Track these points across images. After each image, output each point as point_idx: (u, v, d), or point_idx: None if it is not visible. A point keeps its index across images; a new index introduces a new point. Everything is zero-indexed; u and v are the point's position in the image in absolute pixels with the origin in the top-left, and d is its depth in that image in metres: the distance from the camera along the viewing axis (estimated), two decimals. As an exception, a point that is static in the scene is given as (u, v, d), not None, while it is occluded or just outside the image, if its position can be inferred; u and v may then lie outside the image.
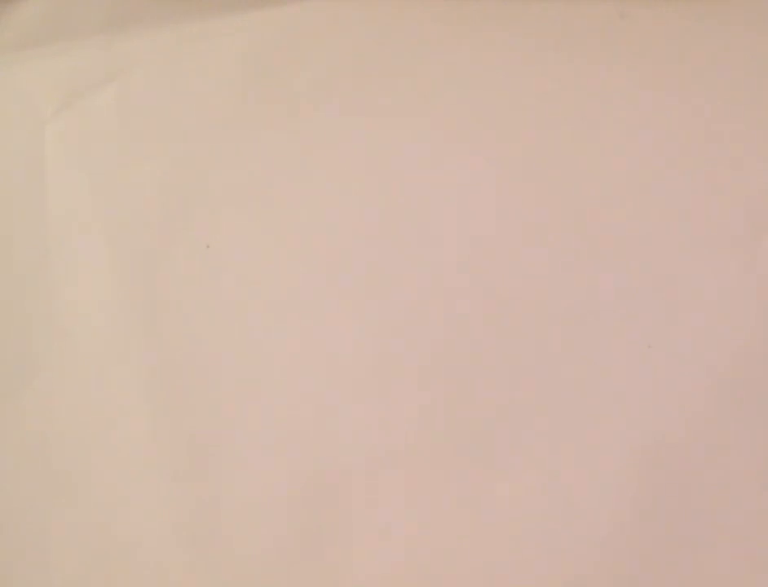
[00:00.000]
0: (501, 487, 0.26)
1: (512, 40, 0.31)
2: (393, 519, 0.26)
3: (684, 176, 0.29)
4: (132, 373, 0.28)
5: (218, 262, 0.29)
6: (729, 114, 0.30)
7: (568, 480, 0.26)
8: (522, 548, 0.25)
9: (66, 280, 0.29)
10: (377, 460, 0.27)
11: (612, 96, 0.30)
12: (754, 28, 0.31)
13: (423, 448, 0.27)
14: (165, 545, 0.26)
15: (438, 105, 0.31)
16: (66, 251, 0.30)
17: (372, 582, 0.25)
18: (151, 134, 0.31)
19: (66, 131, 0.32)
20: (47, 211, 0.31)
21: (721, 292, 0.28)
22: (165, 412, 0.27)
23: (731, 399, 0.26)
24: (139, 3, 0.33)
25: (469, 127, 0.31)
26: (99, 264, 0.30)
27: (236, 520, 0.26)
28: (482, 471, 0.26)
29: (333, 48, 0.32)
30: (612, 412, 0.27)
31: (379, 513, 0.26)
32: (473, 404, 0.27)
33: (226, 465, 0.27)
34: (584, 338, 0.27)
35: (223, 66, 0.32)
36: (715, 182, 0.29)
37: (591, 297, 0.28)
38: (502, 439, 0.26)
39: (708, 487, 0.26)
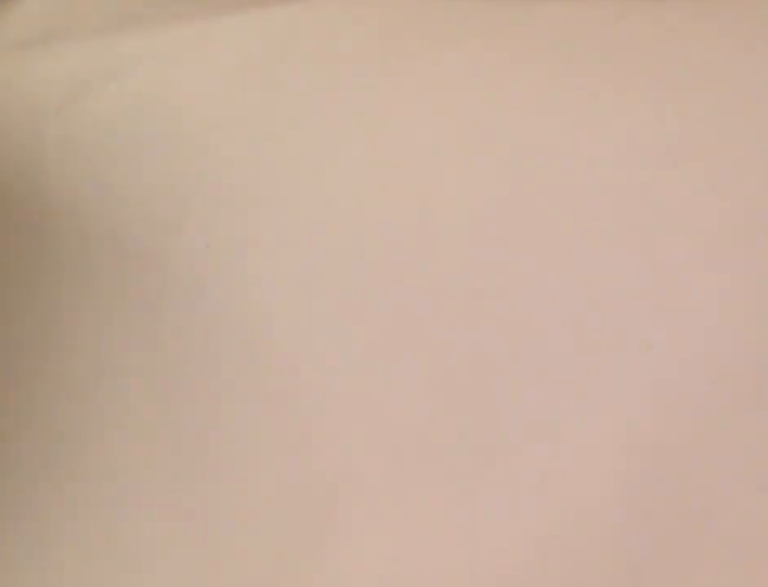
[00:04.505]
0: (500, 488, 0.26)
1: (511, 40, 0.31)
2: (393, 519, 0.26)
3: (684, 176, 0.29)
4: (130, 373, 0.28)
5: (217, 262, 0.29)
6: (730, 114, 0.30)
7: (567, 480, 0.26)
8: (521, 548, 0.25)
9: (64, 279, 0.29)
10: (378, 460, 0.27)
11: (612, 96, 0.30)
12: (755, 29, 0.31)
13: (421, 448, 0.27)
14: (165, 543, 0.26)
15: (437, 105, 0.31)
16: (65, 251, 0.30)
17: (372, 582, 0.25)
18: (151, 134, 0.31)
19: (66, 131, 0.32)
20: (47, 211, 0.31)
21: (721, 292, 0.28)
22: (164, 411, 0.27)
23: (731, 399, 0.26)
24: (139, 3, 0.33)
25: (468, 127, 0.31)
26: (99, 263, 0.30)
27: (235, 519, 0.26)
28: (480, 471, 0.26)
29: (333, 48, 0.32)
30: (612, 413, 0.27)
31: (379, 513, 0.26)
32: (471, 404, 0.27)
33: (225, 464, 0.27)
34: (583, 338, 0.27)
35: (223, 66, 0.32)
36: (715, 182, 0.29)
37: (590, 297, 0.28)
38: (500, 439, 0.26)
39: (707, 487, 0.26)
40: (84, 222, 0.30)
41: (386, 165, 0.30)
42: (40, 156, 0.31)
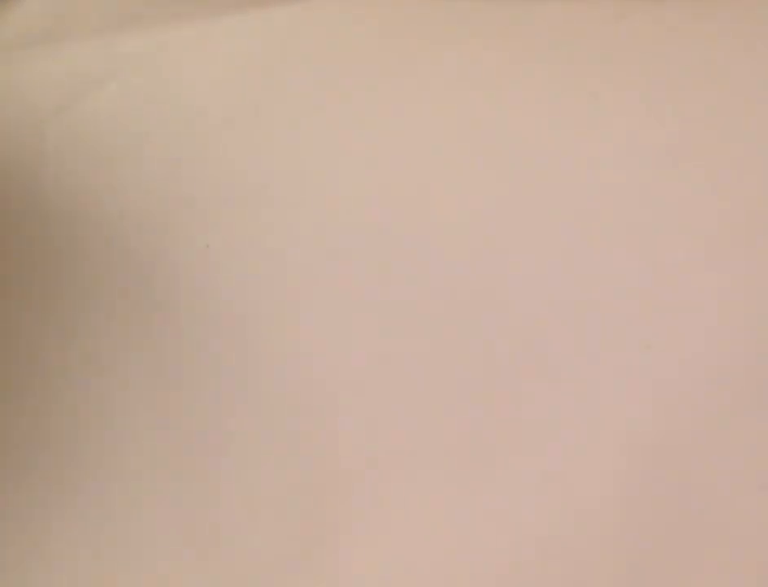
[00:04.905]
0: (501, 487, 0.26)
1: (511, 40, 0.31)
2: (393, 519, 0.26)
3: (684, 176, 0.29)
4: (131, 373, 0.28)
5: (217, 262, 0.29)
6: (730, 114, 0.30)
7: (567, 481, 0.26)
8: (521, 548, 0.25)
9: (64, 279, 0.29)
10: (378, 460, 0.27)
11: (612, 96, 0.30)
12: (755, 29, 0.31)
13: (422, 448, 0.27)
14: (164, 544, 0.26)
15: (437, 105, 0.31)
16: (65, 251, 0.30)
17: (372, 582, 0.25)
18: (151, 134, 0.31)
19: (66, 131, 0.32)
20: (47, 211, 0.31)
21: (721, 292, 0.28)
22: (164, 411, 0.27)
23: (731, 399, 0.26)
24: (139, 3, 0.33)
25: (469, 127, 0.31)
26: (99, 263, 0.30)
27: (235, 520, 0.26)
28: (480, 471, 0.26)
29: (333, 48, 0.32)
30: (611, 413, 0.27)
31: (379, 513, 0.26)
32: (471, 404, 0.27)
33: (225, 464, 0.27)
34: (583, 338, 0.27)
35: (223, 66, 0.32)
36: (716, 181, 0.29)
37: (590, 297, 0.28)
38: (501, 439, 0.26)
39: (707, 487, 0.25)
40: (84, 221, 0.30)
41: (386, 165, 0.30)
42: (40, 156, 0.31)
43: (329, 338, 0.28)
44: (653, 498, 0.25)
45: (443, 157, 0.30)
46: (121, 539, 0.26)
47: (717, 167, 0.29)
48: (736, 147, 0.30)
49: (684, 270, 0.28)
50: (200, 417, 0.27)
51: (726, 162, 0.29)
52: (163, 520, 0.26)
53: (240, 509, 0.26)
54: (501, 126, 0.31)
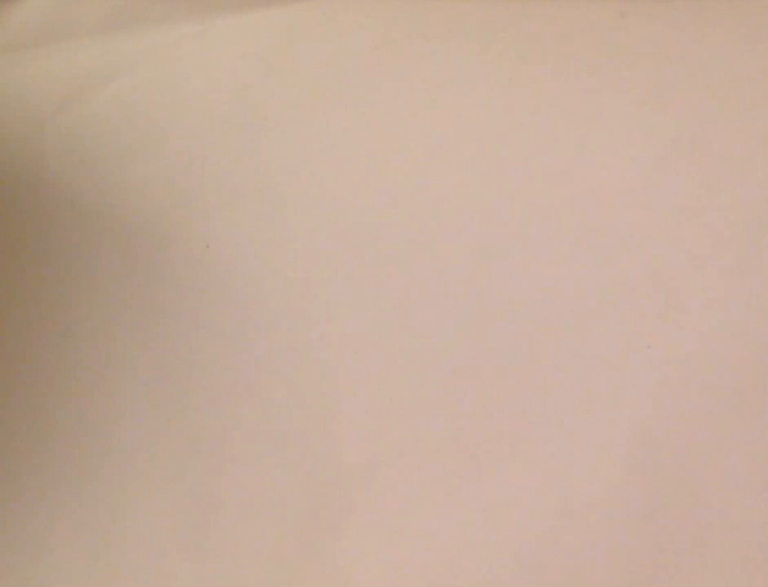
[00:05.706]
0: (501, 487, 0.26)
1: (512, 40, 0.31)
2: (393, 519, 0.26)
3: (684, 176, 0.29)
4: (132, 373, 0.28)
5: (217, 262, 0.29)
6: (729, 114, 0.30)
7: (567, 480, 0.26)
8: (521, 548, 0.25)
9: (64, 279, 0.29)
10: (377, 460, 0.27)
11: (612, 96, 0.30)
12: (755, 29, 0.31)
13: (423, 448, 0.27)
14: (164, 544, 0.26)
15: (437, 105, 0.31)
16: (65, 251, 0.30)
17: (373, 582, 0.25)
18: (151, 134, 0.31)
19: (66, 131, 0.32)
20: (47, 211, 0.31)
21: (721, 292, 0.28)
22: (165, 410, 0.28)
23: (731, 399, 0.26)
24: (139, 3, 0.33)
25: (468, 127, 0.31)
26: (99, 263, 0.30)
27: (236, 519, 0.26)
28: (481, 471, 0.26)
29: (333, 48, 0.32)
30: (612, 413, 0.27)
31: (379, 513, 0.26)
32: (472, 403, 0.27)
33: (225, 464, 0.27)
34: (583, 338, 0.27)
35: (223, 66, 0.32)
36: (715, 182, 0.29)
37: (590, 297, 0.28)
38: (501, 439, 0.26)
39: (707, 487, 0.26)
40: (84, 221, 0.30)
41: (385, 165, 0.30)
42: (40, 156, 0.31)
43: (329, 338, 0.28)
44: (653, 498, 0.25)
45: (443, 156, 0.30)
46: (122, 539, 0.26)
47: (717, 167, 0.29)
48: (736, 147, 0.30)
49: (684, 270, 0.28)
50: (200, 416, 0.27)
51: (726, 162, 0.29)
52: (164, 520, 0.26)
53: (241, 508, 0.26)
54: (501, 126, 0.31)
